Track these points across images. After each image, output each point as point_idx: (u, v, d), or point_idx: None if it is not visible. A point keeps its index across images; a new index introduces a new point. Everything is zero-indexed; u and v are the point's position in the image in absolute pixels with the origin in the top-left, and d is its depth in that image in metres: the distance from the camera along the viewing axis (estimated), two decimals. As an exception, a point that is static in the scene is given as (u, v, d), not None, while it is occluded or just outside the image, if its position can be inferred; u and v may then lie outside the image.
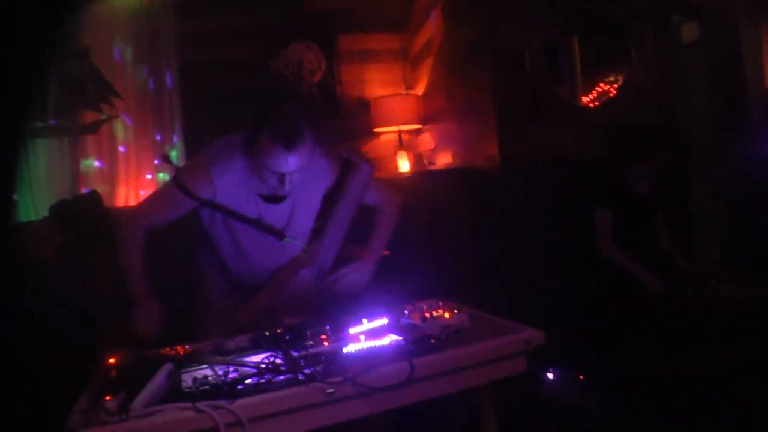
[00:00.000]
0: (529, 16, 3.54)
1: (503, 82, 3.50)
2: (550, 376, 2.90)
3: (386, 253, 2.48)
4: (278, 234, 2.26)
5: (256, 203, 2.22)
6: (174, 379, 1.55)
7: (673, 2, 4.20)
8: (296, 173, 2.08)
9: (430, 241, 3.79)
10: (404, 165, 4.66)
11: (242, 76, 4.43)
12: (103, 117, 4.31)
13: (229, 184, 2.16)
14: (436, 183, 4.02)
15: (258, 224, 2.23)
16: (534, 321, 1.82)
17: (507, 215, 3.47)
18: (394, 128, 4.65)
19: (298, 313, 2.24)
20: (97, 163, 4.43)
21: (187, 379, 1.52)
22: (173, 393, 1.49)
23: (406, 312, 1.90)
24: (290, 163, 2.03)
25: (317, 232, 2.33)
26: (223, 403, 1.39)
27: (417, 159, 4.84)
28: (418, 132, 4.84)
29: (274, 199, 2.22)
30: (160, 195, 2.31)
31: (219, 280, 2.37)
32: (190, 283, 2.43)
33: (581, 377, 2.88)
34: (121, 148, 4.42)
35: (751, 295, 3.04)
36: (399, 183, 4.21)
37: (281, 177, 2.06)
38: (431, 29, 4.41)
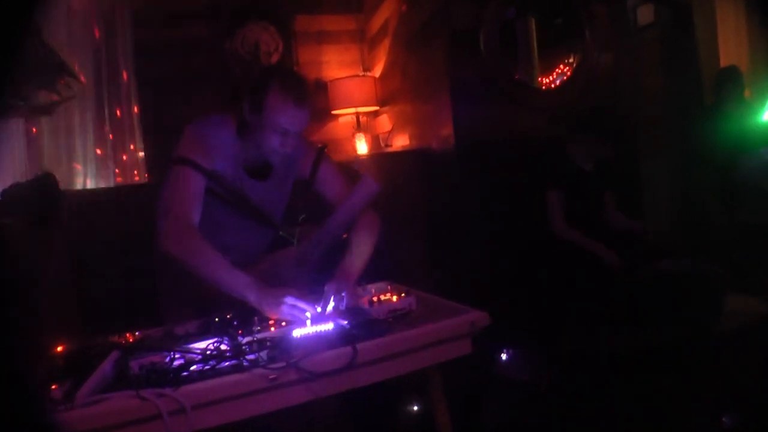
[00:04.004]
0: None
1: (457, 62, 3.49)
2: (504, 356, 2.95)
3: (345, 236, 2.47)
4: (274, 226, 2.27)
5: (241, 179, 2.21)
6: (121, 366, 1.56)
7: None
8: (293, 139, 2.11)
9: (386, 223, 3.79)
10: (362, 147, 4.66)
11: (199, 56, 4.41)
12: (59, 98, 4.23)
13: (223, 156, 2.15)
14: (392, 165, 4.02)
15: (255, 212, 2.24)
16: (488, 301, 1.84)
17: (462, 197, 3.50)
18: (352, 110, 4.64)
19: None
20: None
21: (133, 367, 1.53)
22: (120, 380, 1.50)
23: (355, 296, 1.93)
24: (299, 119, 2.08)
25: (302, 224, 2.28)
26: (167, 390, 1.40)
27: (375, 141, 4.84)
28: (375, 114, 4.84)
29: (258, 174, 2.23)
30: (179, 186, 2.09)
31: None
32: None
33: (533, 355, 2.94)
34: (77, 128, 4.36)
35: (697, 271, 3.12)
36: (356, 165, 4.20)
37: (284, 138, 2.08)
38: (388, 10, 4.40)
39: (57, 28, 4.20)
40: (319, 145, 2.37)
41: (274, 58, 4.61)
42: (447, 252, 3.59)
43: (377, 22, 4.67)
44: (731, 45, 5.14)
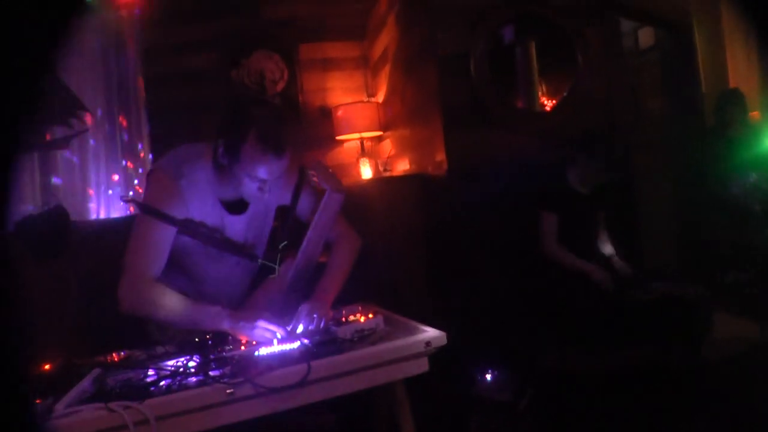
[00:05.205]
0: (473, 21, 3.60)
1: (448, 87, 3.56)
2: (487, 376, 3.01)
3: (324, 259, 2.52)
4: (253, 257, 2.21)
5: (221, 215, 2.16)
6: (99, 382, 1.69)
7: (620, 7, 4.28)
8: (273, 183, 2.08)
9: (382, 247, 3.86)
10: (366, 172, 4.76)
11: (206, 87, 4.57)
12: (73, 132, 4.40)
13: (198, 196, 2.09)
14: (391, 190, 4.08)
15: (236, 248, 2.20)
16: (476, 322, 1.87)
17: (455, 221, 3.56)
18: (356, 136, 4.74)
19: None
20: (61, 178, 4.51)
21: (110, 383, 1.67)
22: (97, 395, 1.62)
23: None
24: (278, 169, 2.03)
25: (284, 250, 2.21)
26: (133, 403, 1.51)
27: (380, 166, 4.94)
28: (380, 139, 4.95)
29: (236, 207, 2.19)
30: (140, 238, 2.03)
31: None
32: None
33: (514, 376, 2.99)
34: (90, 162, 4.52)
35: (684, 293, 3.15)
36: (357, 190, 4.28)
37: (263, 184, 2.04)
38: (387, 36, 4.50)
39: (70, 63, 4.38)
40: (300, 167, 2.30)
41: (280, 87, 4.75)
42: (442, 275, 3.66)
43: (379, 48, 4.78)
44: (741, 66, 5.14)
